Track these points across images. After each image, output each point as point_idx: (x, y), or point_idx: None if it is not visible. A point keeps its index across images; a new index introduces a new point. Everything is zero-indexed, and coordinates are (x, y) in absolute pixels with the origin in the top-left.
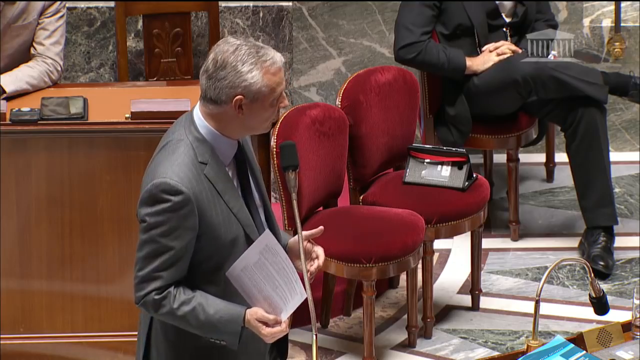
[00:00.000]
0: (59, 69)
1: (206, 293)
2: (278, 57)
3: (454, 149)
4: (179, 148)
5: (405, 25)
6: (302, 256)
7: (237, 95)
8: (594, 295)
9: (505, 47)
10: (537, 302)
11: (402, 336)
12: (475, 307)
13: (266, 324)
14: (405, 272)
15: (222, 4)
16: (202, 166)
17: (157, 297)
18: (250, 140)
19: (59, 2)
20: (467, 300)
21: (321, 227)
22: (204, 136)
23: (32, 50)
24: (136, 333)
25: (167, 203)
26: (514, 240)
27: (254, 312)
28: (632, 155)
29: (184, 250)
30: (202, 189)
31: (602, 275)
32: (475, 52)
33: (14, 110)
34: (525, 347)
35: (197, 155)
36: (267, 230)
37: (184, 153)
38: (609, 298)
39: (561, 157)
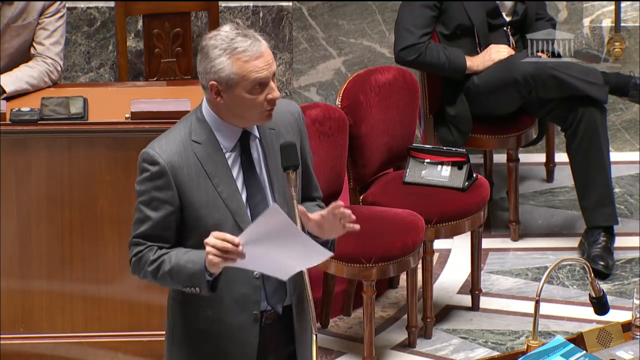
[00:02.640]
0: (59, 69)
1: None
2: (254, 47)
3: (454, 149)
4: (179, 124)
5: (406, 26)
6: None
7: (211, 80)
8: (594, 295)
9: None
10: (537, 302)
11: (402, 336)
12: (475, 307)
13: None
14: (405, 272)
15: (222, 4)
16: (193, 144)
17: (137, 257)
18: (300, 142)
19: (59, 2)
20: (467, 300)
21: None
22: (205, 118)
23: (32, 50)
24: (136, 333)
25: (147, 172)
26: (514, 240)
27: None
28: (632, 155)
29: (162, 222)
30: (184, 165)
31: (602, 275)
32: (475, 51)
33: (14, 110)
34: (525, 347)
35: (191, 133)
36: (274, 204)
37: (179, 129)
38: (609, 298)
39: (561, 157)
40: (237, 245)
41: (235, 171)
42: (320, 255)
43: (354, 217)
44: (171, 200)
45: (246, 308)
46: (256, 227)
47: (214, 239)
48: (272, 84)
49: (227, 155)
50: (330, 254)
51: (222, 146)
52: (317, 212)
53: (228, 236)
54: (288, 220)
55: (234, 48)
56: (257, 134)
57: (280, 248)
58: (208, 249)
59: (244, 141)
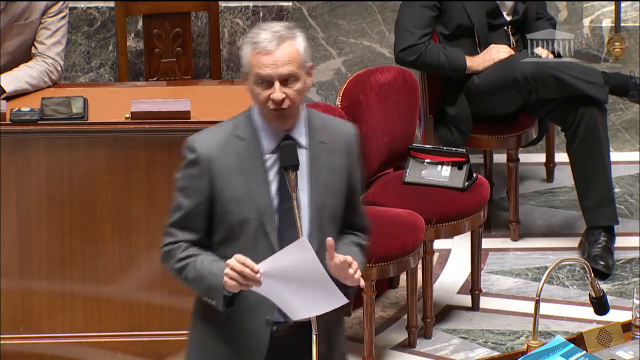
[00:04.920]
0: (59, 68)
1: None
2: (269, 44)
3: (454, 149)
4: (230, 119)
5: (406, 27)
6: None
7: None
8: (594, 295)
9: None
10: (537, 302)
11: (402, 336)
12: (475, 307)
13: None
14: (405, 272)
15: (222, 4)
16: (234, 139)
17: (167, 248)
18: (348, 165)
19: (61, 2)
20: (467, 300)
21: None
22: (252, 116)
23: (33, 50)
24: (136, 333)
25: (185, 160)
26: (514, 240)
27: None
28: (632, 155)
29: (194, 212)
30: (220, 158)
31: (602, 275)
32: (475, 52)
33: (14, 110)
34: (525, 347)
35: (236, 128)
36: (304, 238)
37: (227, 123)
38: (609, 298)
39: (561, 157)
40: (256, 272)
41: (272, 174)
42: (335, 301)
43: (357, 278)
44: (202, 190)
45: (260, 312)
46: (280, 257)
47: (234, 261)
48: (277, 85)
49: (267, 156)
50: (346, 301)
51: (263, 147)
52: (340, 255)
53: (248, 261)
54: (314, 258)
55: (255, 41)
56: (303, 142)
57: (298, 285)
58: (226, 270)
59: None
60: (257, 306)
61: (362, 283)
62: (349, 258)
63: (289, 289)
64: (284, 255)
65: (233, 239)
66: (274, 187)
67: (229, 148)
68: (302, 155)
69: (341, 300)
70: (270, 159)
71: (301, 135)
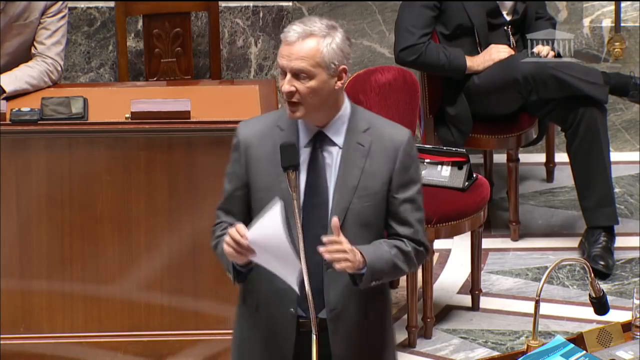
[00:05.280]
0: (59, 68)
1: None
2: (292, 35)
3: (454, 149)
4: (279, 109)
5: (406, 27)
6: (302, 257)
7: None
8: (594, 295)
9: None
10: (537, 302)
11: (402, 336)
12: (475, 307)
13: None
14: None
15: (222, 4)
16: (276, 129)
17: (212, 229)
18: (392, 171)
19: (61, 2)
20: (467, 300)
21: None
22: None
23: (33, 50)
24: (136, 333)
25: (232, 144)
26: (514, 240)
27: None
28: (632, 155)
29: (232, 196)
30: (258, 145)
31: (602, 275)
32: (475, 51)
33: (14, 110)
34: (525, 347)
35: (279, 118)
36: (278, 204)
37: (274, 112)
38: (609, 298)
39: (561, 157)
40: (242, 237)
41: (303, 168)
42: (292, 274)
43: (327, 258)
44: (240, 175)
45: (283, 303)
46: (262, 224)
47: (232, 228)
48: (287, 77)
49: (301, 150)
50: (295, 276)
51: (300, 140)
52: (342, 237)
53: (242, 229)
54: (279, 225)
55: (286, 30)
56: (338, 141)
57: (277, 255)
58: (225, 237)
59: (317, 142)
60: (280, 297)
61: (338, 267)
62: (337, 239)
63: (277, 259)
64: (264, 222)
65: None
66: (302, 181)
67: (269, 137)
68: (334, 154)
69: (295, 272)
70: (304, 153)
71: (337, 134)
